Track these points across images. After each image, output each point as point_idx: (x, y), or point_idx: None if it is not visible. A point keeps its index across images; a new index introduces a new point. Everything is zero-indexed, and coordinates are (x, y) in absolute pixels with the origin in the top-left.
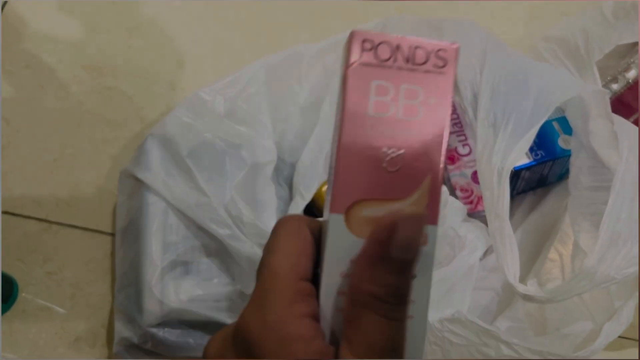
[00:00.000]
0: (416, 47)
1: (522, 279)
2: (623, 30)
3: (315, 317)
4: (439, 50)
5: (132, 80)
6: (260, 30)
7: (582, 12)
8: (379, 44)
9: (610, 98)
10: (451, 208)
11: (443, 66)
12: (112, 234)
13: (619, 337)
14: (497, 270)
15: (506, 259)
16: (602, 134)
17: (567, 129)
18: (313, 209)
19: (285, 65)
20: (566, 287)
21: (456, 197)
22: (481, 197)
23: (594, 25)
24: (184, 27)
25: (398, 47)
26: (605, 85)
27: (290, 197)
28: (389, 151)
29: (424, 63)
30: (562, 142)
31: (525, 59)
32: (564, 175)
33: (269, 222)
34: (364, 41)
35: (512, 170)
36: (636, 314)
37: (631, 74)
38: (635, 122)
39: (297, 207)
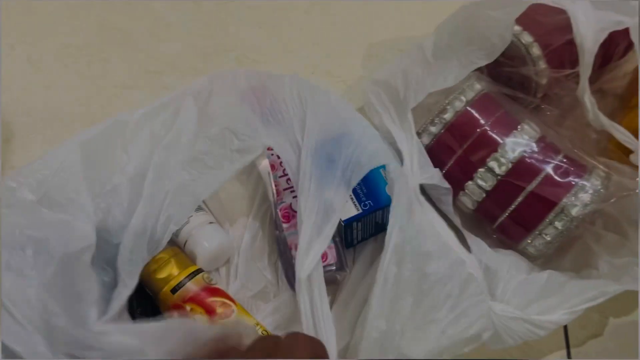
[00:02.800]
0: None
1: None
2: (437, 75)
3: None
4: None
5: None
6: (93, 95)
7: (406, 53)
8: None
9: (431, 141)
10: None
11: None
12: None
13: None
14: None
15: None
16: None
17: None
18: (145, 290)
19: (107, 135)
20: None
21: (292, 256)
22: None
23: (414, 67)
24: (8, 96)
25: None
26: (425, 128)
27: (116, 282)
28: None
29: None
30: (389, 189)
31: (344, 119)
32: None
33: (89, 317)
34: None
35: (342, 224)
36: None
37: (447, 116)
38: (455, 164)
39: (121, 296)
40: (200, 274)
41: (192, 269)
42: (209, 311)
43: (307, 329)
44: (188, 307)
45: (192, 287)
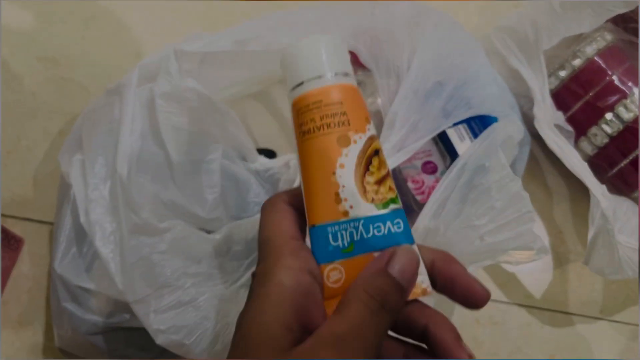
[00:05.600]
0: None
1: None
2: (570, 21)
3: (308, 269)
4: None
5: (89, 71)
6: (216, 20)
7: (532, 4)
8: None
9: (558, 85)
10: None
11: None
12: None
13: None
14: None
15: None
16: None
17: None
18: None
19: None
20: None
21: (408, 188)
22: (432, 188)
23: (543, 16)
24: (140, 17)
25: None
26: (554, 73)
27: None
28: None
29: None
30: None
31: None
32: None
33: None
34: None
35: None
36: None
37: (577, 62)
38: (580, 109)
39: None
40: None
41: None
42: None
43: None
44: None
45: None
